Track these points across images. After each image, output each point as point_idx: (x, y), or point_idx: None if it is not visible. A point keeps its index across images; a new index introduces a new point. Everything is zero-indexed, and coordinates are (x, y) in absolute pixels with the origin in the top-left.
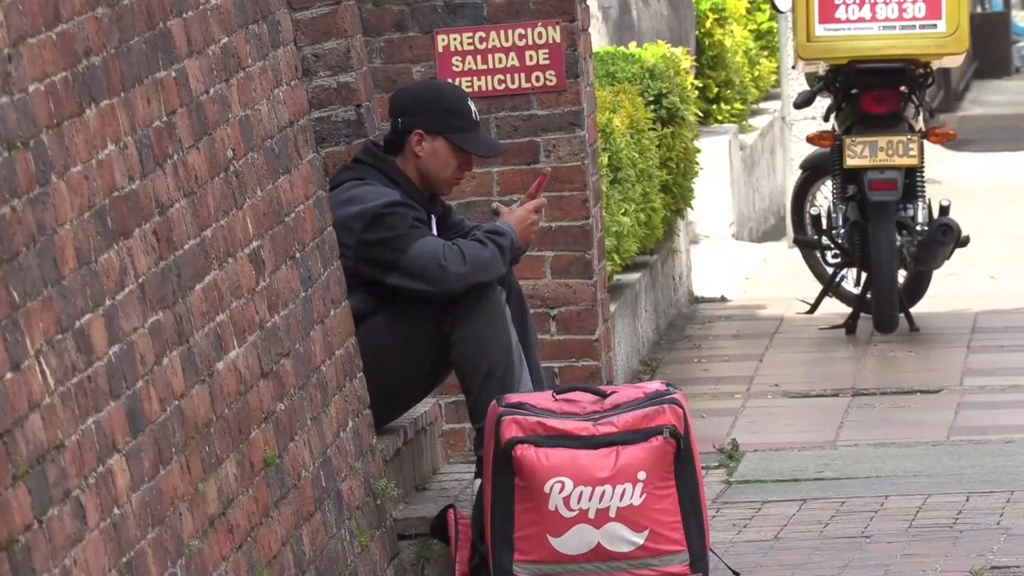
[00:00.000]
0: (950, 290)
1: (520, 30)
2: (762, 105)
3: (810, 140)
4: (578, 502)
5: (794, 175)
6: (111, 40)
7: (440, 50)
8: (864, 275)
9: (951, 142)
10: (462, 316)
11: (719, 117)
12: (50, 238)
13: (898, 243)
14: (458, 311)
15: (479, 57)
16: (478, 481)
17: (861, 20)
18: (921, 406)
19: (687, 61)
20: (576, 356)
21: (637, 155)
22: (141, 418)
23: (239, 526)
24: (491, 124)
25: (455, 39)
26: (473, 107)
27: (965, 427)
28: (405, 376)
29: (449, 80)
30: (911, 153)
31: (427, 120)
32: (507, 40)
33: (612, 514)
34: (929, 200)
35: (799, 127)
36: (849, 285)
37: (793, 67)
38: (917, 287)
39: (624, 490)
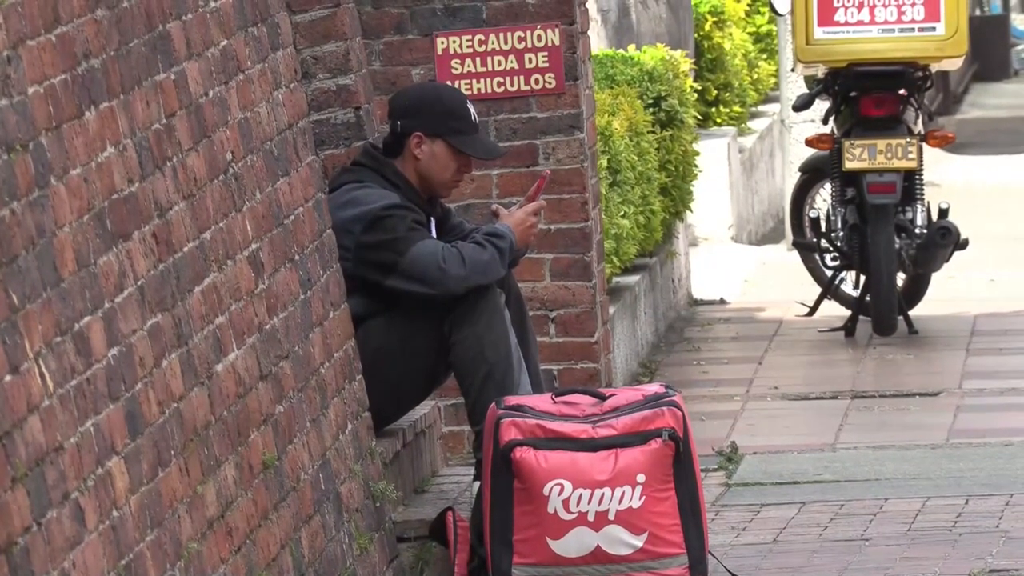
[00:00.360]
0: (949, 293)
1: (519, 33)
2: (761, 108)
3: (809, 143)
4: (577, 505)
5: (793, 178)
6: (110, 42)
7: (439, 53)
8: (863, 278)
9: (950, 145)
10: (461, 318)
11: (718, 120)
12: (49, 240)
13: (897, 246)
14: (457, 313)
15: (478, 60)
16: (477, 483)
17: (860, 23)
18: (920, 409)
19: (686, 64)
20: (575, 358)
21: (636, 158)
22: (140, 420)
23: (238, 528)
24: (490, 127)
25: (454, 42)
26: (472, 110)
27: (964, 430)
28: (404, 378)
29: (448, 83)
30: (910, 156)
31: (426, 123)
32: (506, 43)
33: (611, 517)
34: (928, 203)
35: (798, 130)
36: (848, 288)
37: (792, 70)
38: (916, 290)
39: (623, 493)
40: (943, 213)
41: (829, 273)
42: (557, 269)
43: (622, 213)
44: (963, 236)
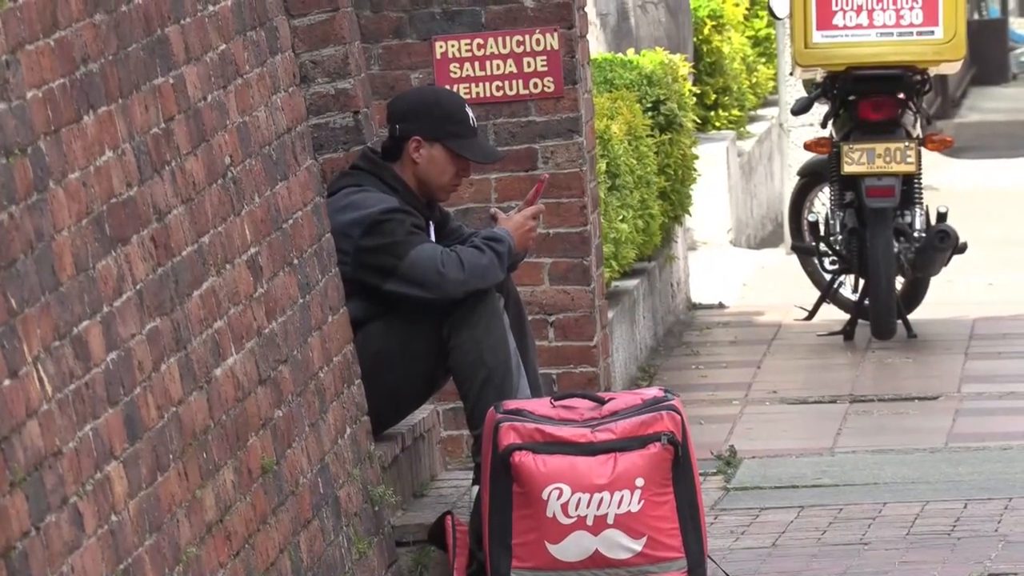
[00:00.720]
0: (948, 297)
1: (518, 37)
2: (760, 112)
3: (808, 147)
4: (576, 509)
5: (792, 182)
6: (109, 47)
7: (438, 57)
8: (862, 282)
9: (948, 149)
10: (460, 322)
11: (717, 124)
12: (48, 245)
13: (896, 250)
14: (456, 317)
15: (477, 64)
16: (476, 488)
17: (859, 27)
18: (919, 413)
19: (685, 68)
20: (574, 362)
21: (635, 162)
22: (139, 425)
23: (237, 533)
24: (489, 131)
25: (453, 46)
26: (471, 113)
27: (963, 434)
28: (403, 382)
29: (447, 87)
30: (909, 160)
31: (425, 126)
32: (505, 47)
33: (610, 521)
34: (927, 207)
35: (797, 134)
36: (847, 292)
37: (791, 74)
38: (915, 294)
39: (622, 497)
40: (942, 217)
41: (828, 277)
42: (556, 273)
43: (621, 217)
44: (962, 240)
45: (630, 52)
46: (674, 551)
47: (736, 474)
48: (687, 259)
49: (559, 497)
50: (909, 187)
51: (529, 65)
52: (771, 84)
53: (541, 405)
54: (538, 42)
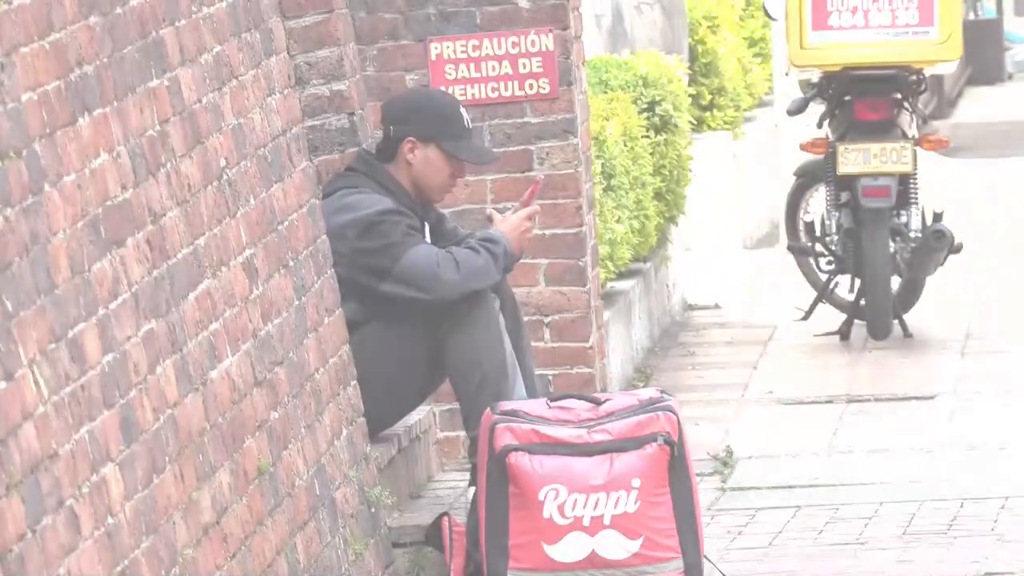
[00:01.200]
0: (944, 296)
1: (513, 38)
2: (755, 112)
3: (803, 147)
4: (572, 510)
5: (787, 182)
6: (104, 49)
7: (433, 58)
8: (858, 282)
9: (944, 149)
10: (456, 324)
11: (712, 124)
12: (43, 247)
13: (892, 250)
14: (452, 319)
15: (472, 65)
16: (472, 489)
17: (854, 27)
18: (915, 412)
19: (680, 68)
20: (570, 363)
21: (630, 162)
22: (135, 427)
23: (233, 535)
24: (484, 132)
25: (448, 47)
26: (466, 114)
27: (959, 433)
28: (399, 384)
29: (442, 88)
30: (904, 160)
31: (419, 128)
32: (500, 48)
33: (607, 521)
34: (923, 207)
35: (792, 134)
36: (843, 292)
37: (786, 74)
38: (911, 293)
39: (618, 497)
40: (937, 217)
41: (824, 277)
42: (552, 274)
43: (616, 218)
44: (957, 240)
45: (626, 53)
46: (671, 551)
47: (732, 474)
48: (683, 260)
49: (556, 498)
50: (905, 187)
51: (524, 66)
52: (766, 84)
53: (537, 406)
54: (533, 43)
